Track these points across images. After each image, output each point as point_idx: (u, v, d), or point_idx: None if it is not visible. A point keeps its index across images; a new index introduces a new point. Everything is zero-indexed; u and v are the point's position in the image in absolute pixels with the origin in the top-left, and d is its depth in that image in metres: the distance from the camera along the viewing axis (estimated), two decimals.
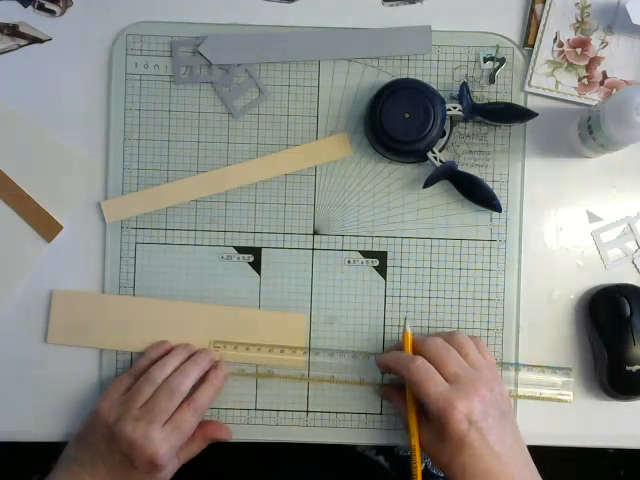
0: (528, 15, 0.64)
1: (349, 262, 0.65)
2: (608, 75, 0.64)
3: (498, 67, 0.64)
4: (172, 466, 0.59)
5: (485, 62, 0.65)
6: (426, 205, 0.65)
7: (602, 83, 0.64)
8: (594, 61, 0.64)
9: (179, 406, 0.58)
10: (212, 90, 0.65)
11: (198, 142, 0.65)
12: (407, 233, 0.65)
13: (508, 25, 0.65)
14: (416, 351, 0.59)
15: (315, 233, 0.65)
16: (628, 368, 0.61)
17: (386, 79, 0.64)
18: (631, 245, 0.65)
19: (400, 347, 0.61)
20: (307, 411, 0.64)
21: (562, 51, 0.64)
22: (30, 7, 0.65)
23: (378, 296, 0.65)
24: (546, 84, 0.64)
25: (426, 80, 0.64)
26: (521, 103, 0.64)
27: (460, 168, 0.63)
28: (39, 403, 0.64)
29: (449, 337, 0.59)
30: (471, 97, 0.63)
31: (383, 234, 0.65)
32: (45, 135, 0.65)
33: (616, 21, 0.63)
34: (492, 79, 0.65)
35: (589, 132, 0.60)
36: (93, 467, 0.57)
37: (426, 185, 0.63)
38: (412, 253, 0.65)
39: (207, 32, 0.65)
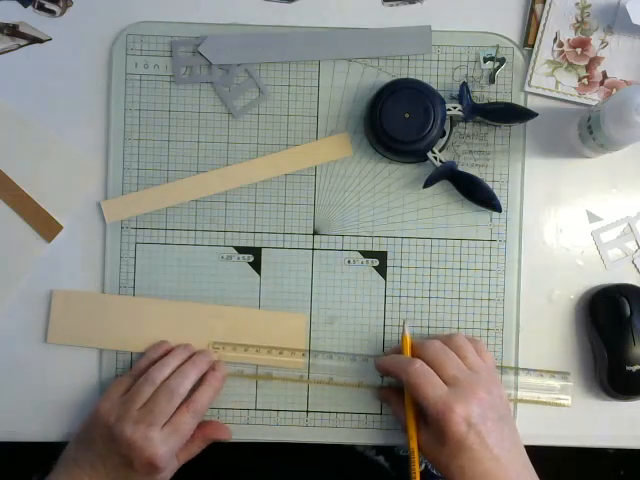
0: (528, 15, 0.64)
1: (349, 262, 0.65)
2: (608, 75, 0.64)
3: (498, 67, 0.64)
4: (172, 467, 0.59)
5: (485, 62, 0.64)
6: (426, 205, 0.65)
7: (602, 83, 0.64)
8: (594, 61, 0.64)
9: (178, 408, 0.58)
10: (212, 90, 0.65)
11: (198, 142, 0.65)
12: (407, 233, 0.65)
13: (508, 25, 0.65)
14: (415, 354, 0.59)
15: (315, 233, 0.65)
16: (628, 368, 0.61)
17: (386, 79, 0.64)
18: (631, 245, 0.65)
19: (399, 350, 0.61)
20: (307, 411, 0.65)
21: (562, 51, 0.64)
22: (30, 7, 0.65)
23: (378, 296, 0.65)
24: (546, 84, 0.64)
25: (426, 80, 0.64)
26: (521, 103, 0.64)
27: (460, 168, 0.63)
28: (39, 403, 0.64)
29: (448, 340, 0.59)
30: (471, 97, 0.63)
31: (383, 234, 0.65)
32: (45, 135, 0.65)
33: (616, 21, 0.63)
34: (492, 79, 0.65)
35: (589, 132, 0.60)
36: (93, 468, 0.57)
37: (426, 185, 0.63)
38: (412, 253, 0.65)
39: (207, 32, 0.65)
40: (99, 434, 0.58)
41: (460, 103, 0.62)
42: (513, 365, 0.64)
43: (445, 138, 0.64)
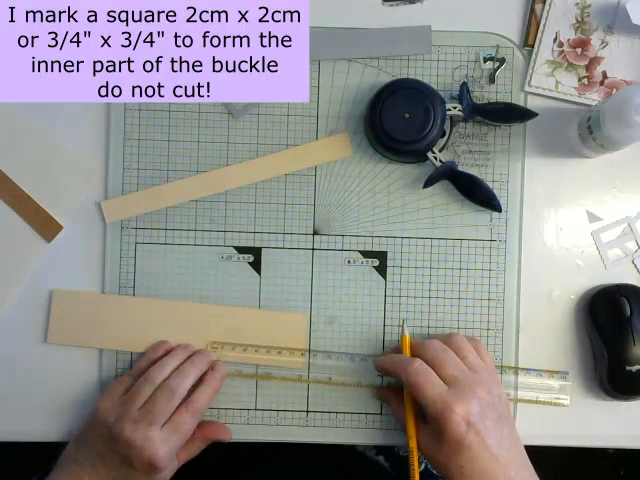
0: (528, 15, 0.64)
1: (349, 262, 0.65)
2: (608, 75, 0.64)
3: (498, 67, 0.64)
4: (172, 467, 0.59)
5: (485, 62, 0.64)
6: (426, 205, 0.65)
7: (602, 83, 0.64)
8: (594, 61, 0.64)
9: (178, 407, 0.58)
10: None
11: (198, 142, 0.65)
12: (407, 233, 0.65)
13: (508, 25, 0.65)
14: (414, 354, 0.59)
15: (315, 233, 0.65)
16: (628, 368, 0.61)
17: (386, 79, 0.64)
18: (631, 245, 0.65)
19: (398, 350, 0.61)
20: (307, 411, 0.65)
21: (562, 51, 0.64)
22: None
23: (378, 296, 0.65)
24: (546, 84, 0.64)
25: (426, 80, 0.64)
26: (521, 103, 0.64)
27: (460, 168, 0.63)
28: (39, 403, 0.64)
29: (447, 339, 0.59)
30: (471, 97, 0.63)
31: (383, 234, 0.65)
32: (45, 135, 0.65)
33: (616, 21, 0.63)
34: (492, 79, 0.65)
35: (589, 132, 0.60)
36: (93, 467, 0.57)
37: (426, 185, 0.63)
38: (412, 253, 0.65)
39: None
40: (99, 434, 0.58)
41: (460, 103, 0.62)
42: (513, 365, 0.64)
43: (445, 138, 0.64)
